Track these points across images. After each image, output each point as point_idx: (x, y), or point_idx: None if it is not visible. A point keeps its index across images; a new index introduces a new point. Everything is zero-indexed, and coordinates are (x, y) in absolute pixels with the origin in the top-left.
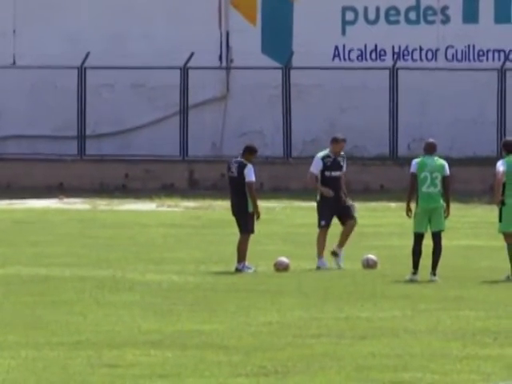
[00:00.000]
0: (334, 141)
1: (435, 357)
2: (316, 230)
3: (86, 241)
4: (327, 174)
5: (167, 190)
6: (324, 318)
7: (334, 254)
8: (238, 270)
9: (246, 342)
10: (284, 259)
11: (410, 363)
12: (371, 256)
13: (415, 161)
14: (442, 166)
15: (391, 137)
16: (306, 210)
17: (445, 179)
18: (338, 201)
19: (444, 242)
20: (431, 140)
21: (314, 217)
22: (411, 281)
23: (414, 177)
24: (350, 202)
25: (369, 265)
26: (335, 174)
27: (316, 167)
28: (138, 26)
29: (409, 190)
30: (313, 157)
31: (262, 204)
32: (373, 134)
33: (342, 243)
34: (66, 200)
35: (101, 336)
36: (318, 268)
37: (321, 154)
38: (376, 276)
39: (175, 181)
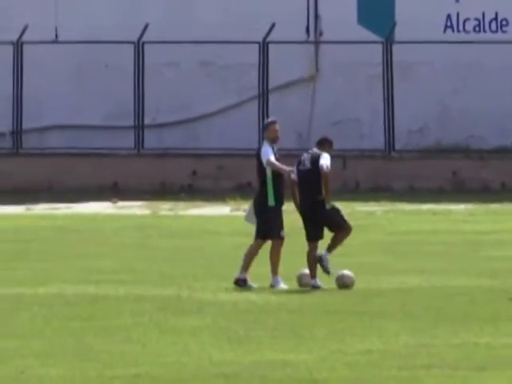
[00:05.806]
0: None
1: None
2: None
3: (144, 253)
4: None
5: (243, 191)
6: (435, 345)
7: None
8: (315, 287)
9: (341, 375)
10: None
11: None
12: (347, 272)
13: None
14: None
15: None
16: (412, 215)
17: None
18: None
19: None
20: None
21: (421, 222)
22: None
23: None
24: None
25: (344, 284)
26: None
27: None
28: None
29: None
30: (419, 150)
31: (359, 207)
32: (493, 122)
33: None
34: (120, 203)
35: (163, 369)
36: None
37: None
38: (498, 293)
39: (253, 179)
